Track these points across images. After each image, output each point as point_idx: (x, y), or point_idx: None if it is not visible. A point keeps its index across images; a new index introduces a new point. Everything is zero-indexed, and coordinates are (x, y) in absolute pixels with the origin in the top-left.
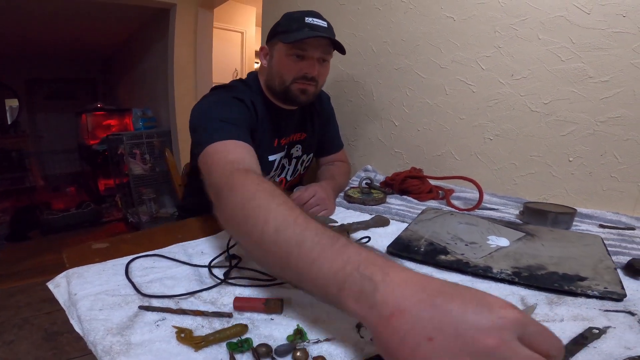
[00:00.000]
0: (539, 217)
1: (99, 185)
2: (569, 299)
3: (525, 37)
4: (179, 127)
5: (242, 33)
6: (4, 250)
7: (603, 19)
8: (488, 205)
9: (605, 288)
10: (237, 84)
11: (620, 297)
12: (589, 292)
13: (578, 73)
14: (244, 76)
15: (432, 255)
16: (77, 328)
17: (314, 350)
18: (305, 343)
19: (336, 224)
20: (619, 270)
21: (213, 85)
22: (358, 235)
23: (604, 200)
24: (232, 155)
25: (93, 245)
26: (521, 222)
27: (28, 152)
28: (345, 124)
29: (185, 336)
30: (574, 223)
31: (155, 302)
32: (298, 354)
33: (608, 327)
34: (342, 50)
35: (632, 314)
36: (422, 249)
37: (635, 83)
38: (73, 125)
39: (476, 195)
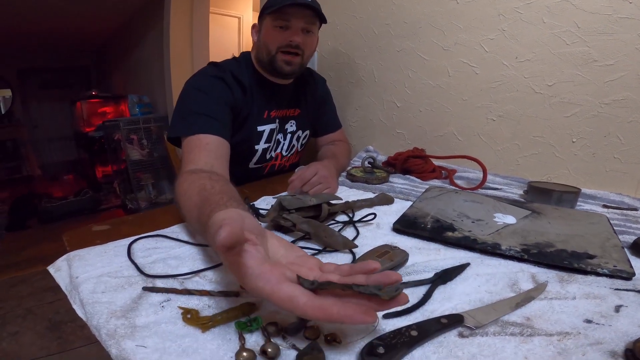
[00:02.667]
0: (543, 196)
1: (96, 172)
2: (579, 276)
3: (530, 20)
4: None
5: (239, 18)
6: (3, 240)
7: (609, 5)
8: (491, 185)
9: (614, 266)
10: (228, 60)
11: (629, 275)
12: (599, 270)
13: (583, 57)
14: None
15: (439, 231)
16: (79, 312)
17: (325, 328)
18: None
19: (341, 201)
20: (625, 249)
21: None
22: (363, 212)
23: (607, 180)
24: (202, 162)
25: (93, 227)
26: (526, 200)
27: (23, 141)
28: (346, 106)
29: (191, 317)
30: (578, 203)
31: (160, 283)
32: (309, 332)
33: (620, 305)
34: (324, 20)
35: None
36: (428, 226)
37: None
38: (68, 114)
39: (479, 175)
